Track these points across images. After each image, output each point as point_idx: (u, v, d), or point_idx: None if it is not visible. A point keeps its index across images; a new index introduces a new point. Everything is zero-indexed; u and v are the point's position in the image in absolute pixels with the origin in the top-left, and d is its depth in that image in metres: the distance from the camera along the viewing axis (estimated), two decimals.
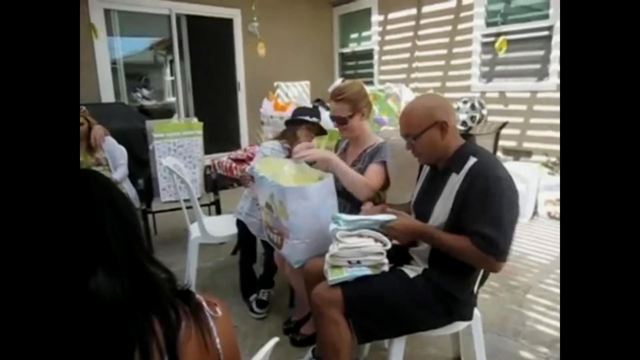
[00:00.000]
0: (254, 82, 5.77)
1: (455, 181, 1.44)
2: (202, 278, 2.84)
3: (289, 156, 2.39)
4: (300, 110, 2.47)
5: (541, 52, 4.35)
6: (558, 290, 2.62)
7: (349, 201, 1.99)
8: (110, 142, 3.06)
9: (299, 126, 2.38)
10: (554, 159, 4.19)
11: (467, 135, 1.57)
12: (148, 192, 3.43)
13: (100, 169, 3.00)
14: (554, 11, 4.16)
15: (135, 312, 0.63)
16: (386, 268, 1.52)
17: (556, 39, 4.16)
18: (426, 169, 1.70)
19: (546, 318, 2.33)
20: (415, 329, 1.51)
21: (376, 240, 1.50)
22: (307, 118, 2.38)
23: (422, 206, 1.59)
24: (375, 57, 6.11)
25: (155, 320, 0.64)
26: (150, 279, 0.68)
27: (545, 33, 4.27)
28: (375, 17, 6.03)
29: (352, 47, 6.60)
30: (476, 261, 1.39)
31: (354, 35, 6.59)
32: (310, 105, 3.58)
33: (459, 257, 1.42)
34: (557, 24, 4.14)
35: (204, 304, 0.72)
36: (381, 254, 1.50)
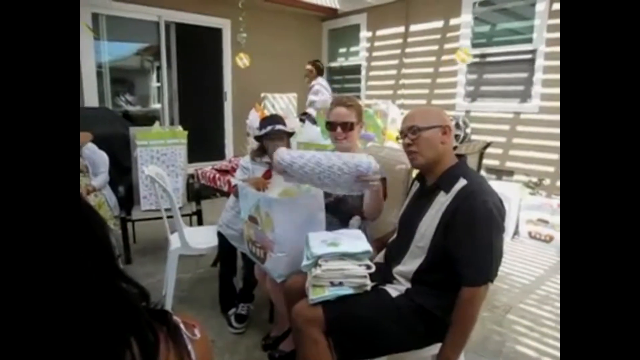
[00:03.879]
0: (241, 93, 5.76)
1: (443, 200, 1.45)
2: (180, 289, 2.77)
3: (270, 170, 2.37)
4: (269, 121, 2.43)
5: (524, 75, 4.45)
6: (538, 311, 2.64)
7: (335, 216, 1.97)
8: (91, 149, 3.00)
9: (271, 139, 2.37)
10: (535, 179, 4.27)
11: (459, 155, 1.59)
12: (128, 199, 3.36)
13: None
14: (537, 35, 4.27)
15: (112, 335, 0.59)
16: (368, 288, 1.50)
17: (539, 62, 4.27)
18: (415, 185, 1.70)
19: (526, 339, 2.34)
20: (396, 350, 1.49)
21: (360, 264, 1.48)
22: (280, 127, 2.37)
23: (408, 221, 1.59)
24: (363, 72, 6.17)
25: (133, 341, 0.61)
26: (126, 300, 0.64)
27: (529, 56, 4.38)
28: (364, 34, 6.11)
29: (340, 61, 6.66)
30: (476, 303, 1.38)
31: (342, 50, 6.66)
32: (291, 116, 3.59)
33: (472, 317, 1.40)
34: (540, 48, 4.25)
35: (182, 325, 0.69)
36: (364, 276, 1.48)
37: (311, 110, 4.85)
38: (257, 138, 2.48)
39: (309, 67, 5.17)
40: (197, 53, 5.58)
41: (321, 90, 4.95)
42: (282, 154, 1.69)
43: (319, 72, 5.13)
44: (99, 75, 4.88)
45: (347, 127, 1.98)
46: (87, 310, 0.58)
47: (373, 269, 1.50)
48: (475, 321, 1.41)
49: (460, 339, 1.41)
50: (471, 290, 1.36)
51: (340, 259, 1.48)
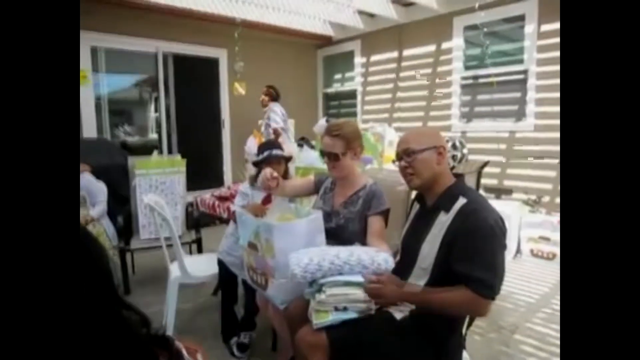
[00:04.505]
0: (239, 120, 5.82)
1: (444, 220, 1.44)
2: (181, 319, 2.72)
3: (269, 196, 2.38)
4: (267, 146, 2.46)
5: (518, 94, 4.51)
6: (545, 330, 2.59)
7: (336, 242, 1.95)
8: (88, 179, 3.00)
9: (269, 164, 2.39)
10: (534, 196, 4.27)
11: (457, 174, 1.59)
12: (127, 229, 3.34)
13: None
14: (528, 56, 4.36)
15: None
16: (373, 311, 1.48)
17: (531, 81, 4.34)
18: (416, 207, 1.70)
19: (534, 359, 2.29)
20: None
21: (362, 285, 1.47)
22: (277, 152, 2.39)
23: (410, 243, 1.58)
24: (359, 97, 6.25)
25: None
26: (127, 327, 0.64)
27: (521, 77, 4.46)
28: (358, 59, 6.22)
29: (336, 87, 6.76)
30: (470, 309, 1.37)
31: (337, 76, 6.76)
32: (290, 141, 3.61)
33: (451, 309, 1.38)
34: (532, 68, 4.33)
35: (184, 351, 0.68)
36: (369, 300, 1.46)
37: (267, 133, 4.86)
38: (255, 164, 2.49)
39: (263, 90, 5.19)
40: (195, 83, 5.67)
41: (273, 116, 4.91)
42: (293, 262, 1.54)
43: (272, 98, 5.12)
44: (98, 107, 4.94)
45: (332, 157, 1.93)
46: (88, 338, 0.57)
47: None
48: (448, 315, 1.41)
49: (425, 304, 1.41)
50: (474, 298, 1.31)
51: (344, 284, 1.47)
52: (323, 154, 1.99)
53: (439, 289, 1.39)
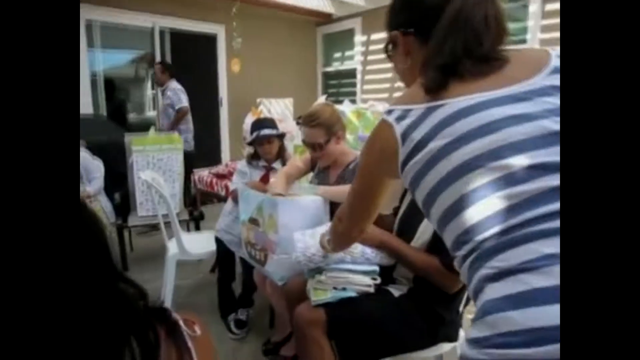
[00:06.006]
0: (237, 98, 5.75)
1: None
2: (179, 296, 2.74)
3: (267, 174, 2.36)
4: (256, 126, 2.42)
5: None
6: None
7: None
8: (84, 156, 2.98)
9: (260, 144, 2.37)
10: None
11: None
12: (124, 206, 3.33)
13: None
14: (531, 36, 4.30)
15: (111, 335, 0.58)
16: (371, 289, 1.48)
17: None
18: None
19: None
20: (400, 350, 1.46)
21: (365, 273, 1.48)
22: (266, 132, 2.35)
23: (407, 224, 1.56)
24: (358, 76, 6.18)
25: (134, 341, 0.60)
26: (125, 300, 0.63)
27: None
28: (358, 38, 6.13)
29: (336, 66, 6.67)
30: (437, 278, 1.38)
31: (337, 55, 6.67)
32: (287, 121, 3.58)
33: (420, 271, 1.43)
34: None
35: (181, 322, 0.67)
36: (369, 285, 1.47)
37: (168, 114, 4.49)
38: (248, 143, 2.48)
39: (158, 67, 4.60)
40: (192, 59, 5.57)
41: (179, 95, 4.48)
42: (299, 249, 1.52)
43: (171, 74, 4.58)
44: (93, 83, 4.86)
45: (317, 147, 1.92)
46: (86, 311, 0.56)
47: (379, 281, 1.49)
48: (419, 273, 1.45)
49: (396, 254, 1.46)
50: (441, 269, 1.33)
51: (345, 270, 1.48)
52: (305, 144, 1.96)
53: (415, 249, 1.43)
